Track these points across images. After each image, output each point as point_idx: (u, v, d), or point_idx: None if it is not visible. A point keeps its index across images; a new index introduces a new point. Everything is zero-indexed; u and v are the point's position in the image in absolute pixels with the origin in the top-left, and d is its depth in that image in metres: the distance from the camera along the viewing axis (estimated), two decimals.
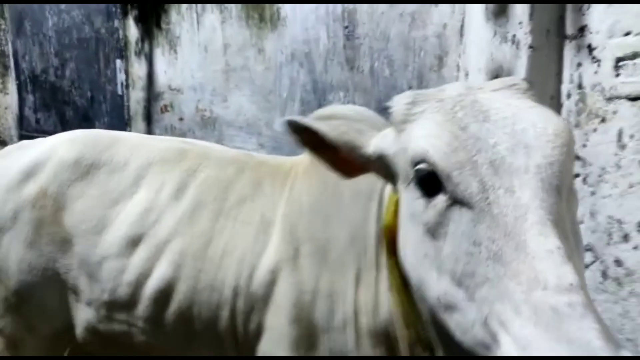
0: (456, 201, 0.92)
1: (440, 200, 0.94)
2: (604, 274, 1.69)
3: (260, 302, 1.44)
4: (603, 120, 1.67)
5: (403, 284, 1.18)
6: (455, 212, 0.93)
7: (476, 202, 0.89)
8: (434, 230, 0.96)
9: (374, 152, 1.13)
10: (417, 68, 2.31)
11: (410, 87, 2.36)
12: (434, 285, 0.97)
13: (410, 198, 1.02)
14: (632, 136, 1.57)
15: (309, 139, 1.18)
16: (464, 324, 0.90)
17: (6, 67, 6.43)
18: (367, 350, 1.32)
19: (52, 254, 1.69)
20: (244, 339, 1.48)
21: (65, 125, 5.31)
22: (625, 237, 1.60)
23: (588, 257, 1.75)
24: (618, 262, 1.63)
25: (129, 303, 1.59)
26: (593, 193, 1.72)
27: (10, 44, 6.20)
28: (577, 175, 1.78)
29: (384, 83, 2.46)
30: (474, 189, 0.90)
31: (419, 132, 0.99)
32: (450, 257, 0.92)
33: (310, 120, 1.19)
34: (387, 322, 1.29)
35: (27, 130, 6.15)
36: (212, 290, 1.49)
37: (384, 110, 1.09)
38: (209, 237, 1.56)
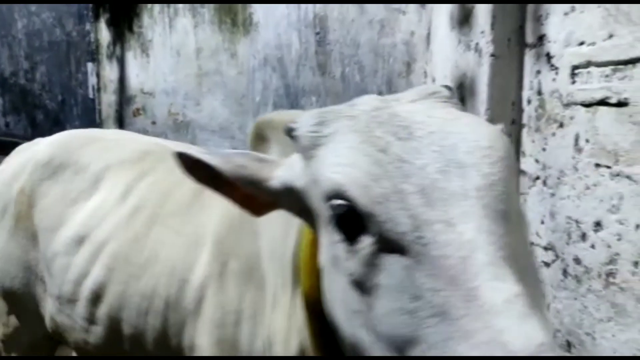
0: (385, 244, 0.74)
1: (365, 244, 0.76)
2: (565, 272, 1.77)
3: (191, 317, 1.38)
4: (561, 125, 1.74)
5: (315, 322, 1.03)
6: (385, 259, 0.74)
7: (409, 244, 0.72)
8: (362, 283, 0.77)
9: (280, 185, 0.95)
10: (386, 74, 2.38)
11: (380, 93, 2.42)
12: (369, 349, 0.79)
13: (330, 240, 0.84)
14: (587, 140, 1.65)
15: (205, 174, 0.99)
16: None
17: None
18: None
19: (26, 246, 1.78)
20: (178, 352, 1.42)
21: (35, 128, 5.24)
22: (583, 237, 1.68)
23: (549, 256, 1.83)
24: (577, 261, 1.71)
25: (71, 300, 1.63)
26: (553, 194, 1.80)
27: None
28: (537, 178, 1.86)
29: (355, 88, 2.52)
30: (404, 227, 0.72)
31: (330, 160, 0.81)
32: (384, 318, 0.74)
33: (202, 153, 0.99)
34: (301, 353, 1.14)
35: None
36: (142, 297, 1.47)
37: (287, 134, 0.93)
38: (142, 243, 1.54)
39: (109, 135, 1.99)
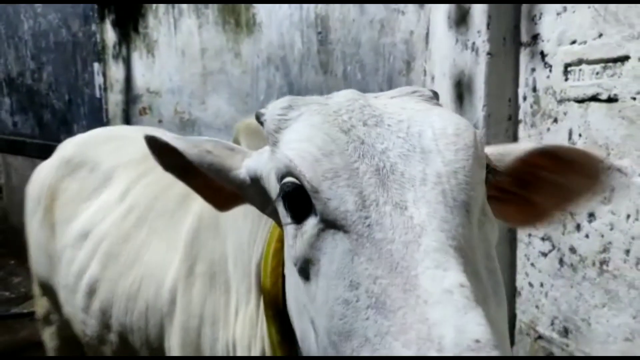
0: (328, 225, 0.69)
1: (310, 225, 0.71)
2: (561, 261, 1.84)
3: (166, 319, 1.38)
4: (555, 120, 1.82)
5: (278, 325, 1.00)
6: (327, 242, 0.69)
7: (353, 224, 0.66)
8: (306, 269, 0.72)
9: (246, 175, 0.89)
10: (386, 72, 2.44)
11: (381, 90, 2.49)
12: (313, 346, 0.73)
13: (283, 224, 0.79)
14: (580, 135, 1.72)
15: (172, 161, 0.95)
16: None
17: None
18: None
19: (49, 237, 1.90)
20: (160, 352, 1.43)
21: (43, 128, 5.33)
22: (578, 227, 1.76)
23: (546, 246, 1.90)
24: (572, 250, 1.79)
25: (73, 291, 1.73)
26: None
27: None
28: None
29: (357, 86, 2.59)
30: (350, 206, 0.66)
31: (288, 137, 0.76)
32: (323, 309, 0.67)
33: (170, 138, 0.94)
34: None
35: (4, 133, 6.14)
36: (128, 296, 1.51)
37: (257, 119, 0.88)
38: (131, 243, 1.58)
39: (132, 133, 2.09)
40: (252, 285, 1.14)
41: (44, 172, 2.04)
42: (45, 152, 5.37)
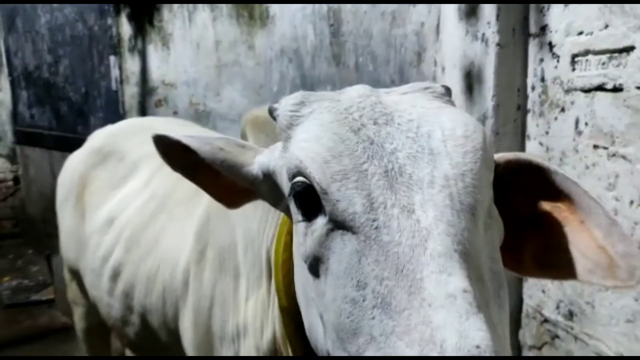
0: (337, 225, 0.70)
1: (319, 224, 0.73)
2: None
3: (181, 301, 1.44)
4: (562, 109, 1.86)
5: (291, 316, 1.02)
6: (336, 241, 0.71)
7: (361, 226, 0.67)
8: (315, 267, 0.74)
9: (259, 171, 0.91)
10: (398, 63, 2.50)
11: (392, 81, 2.54)
12: (320, 338, 0.77)
13: (294, 221, 0.80)
14: (586, 124, 1.77)
15: (181, 159, 0.96)
16: None
17: None
18: None
19: (79, 223, 1.98)
20: (176, 334, 1.49)
21: (60, 120, 5.43)
22: None
23: None
24: None
25: (99, 275, 1.81)
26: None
27: (1, 41, 6.28)
28: None
29: (368, 77, 2.65)
30: (358, 208, 0.68)
31: (299, 136, 0.77)
32: (332, 306, 0.70)
33: (182, 136, 0.95)
34: (274, 344, 1.15)
35: (22, 126, 6.26)
36: (147, 279, 1.59)
37: (270, 114, 0.89)
38: (150, 230, 1.67)
39: (160, 125, 2.17)
40: (262, 271, 1.18)
41: (74, 162, 2.13)
42: (62, 144, 5.47)
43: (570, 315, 1.89)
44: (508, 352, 0.63)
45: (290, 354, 1.08)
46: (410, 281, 0.62)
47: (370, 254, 0.66)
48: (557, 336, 1.95)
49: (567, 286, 1.89)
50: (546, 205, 0.83)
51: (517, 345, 2.13)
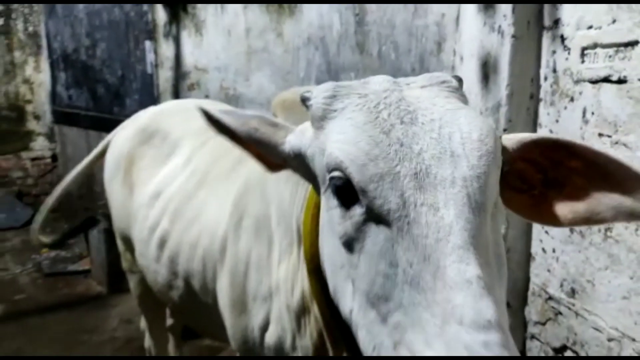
0: (373, 216, 0.84)
1: (357, 213, 0.86)
2: (571, 229, 2.01)
3: (218, 264, 1.61)
4: (572, 99, 1.97)
5: (317, 278, 1.17)
6: (372, 228, 0.84)
7: (395, 220, 0.81)
8: (350, 244, 0.88)
9: (290, 150, 1.02)
10: (419, 52, 2.62)
11: (413, 70, 2.67)
12: (348, 299, 0.91)
13: (327, 205, 0.94)
14: (593, 113, 1.87)
15: (225, 131, 1.09)
16: (373, 344, 0.84)
17: (39, 47, 6.80)
18: (286, 321, 1.37)
19: (127, 197, 2.15)
20: (214, 293, 1.67)
21: (96, 101, 5.67)
22: None
23: None
24: None
25: (147, 244, 1.97)
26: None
27: (43, 25, 6.56)
28: None
29: (390, 65, 2.77)
30: (392, 206, 0.81)
31: (336, 136, 0.89)
32: (365, 276, 0.85)
33: (222, 114, 1.09)
34: (303, 300, 1.30)
35: (60, 106, 6.54)
36: (190, 246, 1.76)
37: (302, 103, 0.99)
38: (193, 202, 1.84)
39: (195, 105, 2.37)
40: (293, 239, 1.32)
41: (120, 141, 2.30)
42: (98, 124, 5.73)
43: (572, 292, 2.01)
44: (505, 320, 0.77)
45: (316, 310, 1.24)
46: (435, 267, 0.75)
47: (401, 243, 0.80)
48: (560, 312, 2.07)
49: (570, 265, 2.01)
50: (564, 170, 0.95)
51: (523, 321, 2.27)
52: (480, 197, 0.81)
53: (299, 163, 1.02)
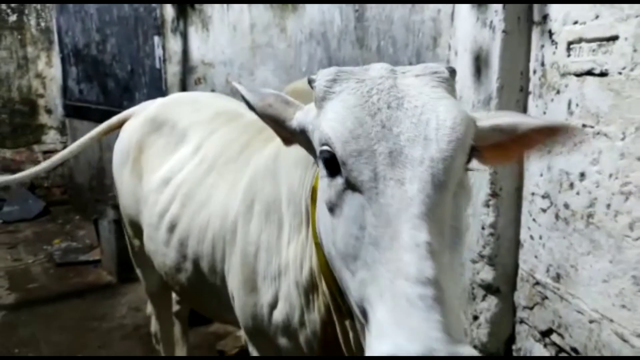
0: (350, 185, 0.95)
1: (339, 182, 0.97)
2: (557, 216, 2.09)
3: (228, 246, 1.70)
4: (558, 92, 2.05)
5: (322, 250, 1.22)
6: (349, 196, 0.96)
7: (366, 190, 0.92)
8: (333, 209, 1.00)
9: (297, 126, 1.14)
10: (415, 47, 2.70)
11: (410, 63, 2.75)
12: (334, 262, 1.03)
13: (320, 175, 1.05)
14: (577, 105, 1.95)
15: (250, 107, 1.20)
16: (351, 300, 0.98)
17: (51, 42, 6.95)
18: (294, 298, 1.46)
19: (136, 184, 2.24)
20: (222, 275, 1.76)
21: (107, 95, 5.79)
22: (571, 185, 2.00)
23: (546, 203, 2.16)
24: (566, 206, 2.03)
25: (156, 228, 2.06)
26: (549, 151, 2.11)
27: (54, 20, 6.69)
28: None
29: (389, 59, 2.86)
30: (365, 177, 0.92)
31: (329, 115, 1.00)
32: (342, 238, 0.97)
33: (245, 91, 1.20)
34: (311, 276, 1.39)
35: (71, 100, 6.66)
36: (200, 229, 1.84)
37: (309, 84, 1.11)
38: (203, 186, 1.92)
39: (204, 98, 2.43)
40: (302, 219, 1.42)
41: (129, 130, 2.40)
42: (108, 118, 5.84)
43: (557, 277, 2.09)
44: (450, 278, 0.87)
45: (324, 285, 1.33)
46: (394, 232, 0.87)
47: (370, 209, 0.92)
48: (546, 297, 2.16)
49: (555, 252, 2.09)
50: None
51: (512, 306, 2.36)
52: (444, 177, 0.92)
53: (303, 138, 1.13)
